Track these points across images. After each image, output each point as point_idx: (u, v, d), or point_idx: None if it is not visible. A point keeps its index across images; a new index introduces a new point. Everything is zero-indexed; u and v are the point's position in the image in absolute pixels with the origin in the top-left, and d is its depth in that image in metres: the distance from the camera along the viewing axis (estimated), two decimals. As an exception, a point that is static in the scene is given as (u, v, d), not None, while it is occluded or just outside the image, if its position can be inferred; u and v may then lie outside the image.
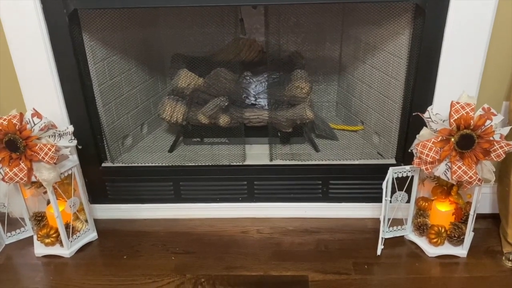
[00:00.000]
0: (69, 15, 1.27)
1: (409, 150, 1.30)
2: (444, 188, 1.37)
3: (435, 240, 1.36)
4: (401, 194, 1.36)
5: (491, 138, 1.17)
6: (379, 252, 1.38)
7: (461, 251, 1.36)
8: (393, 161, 1.52)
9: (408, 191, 1.36)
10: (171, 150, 1.67)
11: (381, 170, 1.35)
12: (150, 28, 1.72)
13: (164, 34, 1.75)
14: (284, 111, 1.59)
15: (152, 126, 1.81)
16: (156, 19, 1.73)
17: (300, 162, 1.53)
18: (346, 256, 1.38)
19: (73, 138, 1.32)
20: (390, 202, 1.35)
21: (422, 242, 1.40)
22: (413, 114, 1.31)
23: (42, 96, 1.36)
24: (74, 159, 1.40)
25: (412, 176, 1.34)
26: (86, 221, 1.47)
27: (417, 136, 1.26)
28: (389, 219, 1.40)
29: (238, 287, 1.28)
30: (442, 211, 1.38)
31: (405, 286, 1.26)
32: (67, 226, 1.40)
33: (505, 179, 1.35)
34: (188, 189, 1.56)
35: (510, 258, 1.33)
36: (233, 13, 1.58)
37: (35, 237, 1.44)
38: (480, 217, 1.41)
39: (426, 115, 1.23)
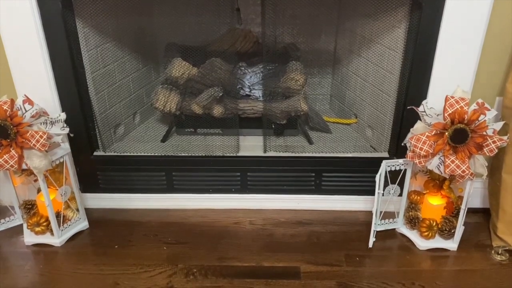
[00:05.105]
0: (62, 0, 1.25)
1: (403, 144, 1.31)
2: (436, 182, 1.38)
3: (426, 233, 1.37)
4: (393, 187, 1.37)
5: (485, 133, 1.18)
6: (370, 244, 1.39)
7: (452, 244, 1.38)
8: (386, 155, 1.52)
9: (401, 185, 1.37)
10: (164, 140, 1.66)
11: (374, 164, 1.36)
12: (144, 16, 1.69)
13: (159, 22, 1.73)
14: (279, 102, 1.58)
15: (144, 115, 1.80)
16: (151, 7, 1.70)
17: (293, 154, 1.53)
18: (338, 248, 1.39)
19: (65, 125, 1.30)
20: (383, 195, 1.36)
21: (413, 235, 1.41)
22: (408, 107, 1.32)
23: (34, 82, 1.34)
24: (65, 147, 1.38)
25: (405, 170, 1.35)
26: (77, 210, 1.46)
27: (411, 129, 1.26)
28: (381, 212, 1.41)
29: (230, 278, 1.28)
30: (434, 204, 1.39)
31: (396, 278, 1.27)
32: (57, 215, 1.39)
33: (496, 174, 1.37)
34: (180, 180, 1.55)
35: (499, 252, 1.35)
36: (229, 2, 1.57)
37: (25, 226, 1.43)
38: (470, 211, 1.42)
39: (420, 108, 1.24)
